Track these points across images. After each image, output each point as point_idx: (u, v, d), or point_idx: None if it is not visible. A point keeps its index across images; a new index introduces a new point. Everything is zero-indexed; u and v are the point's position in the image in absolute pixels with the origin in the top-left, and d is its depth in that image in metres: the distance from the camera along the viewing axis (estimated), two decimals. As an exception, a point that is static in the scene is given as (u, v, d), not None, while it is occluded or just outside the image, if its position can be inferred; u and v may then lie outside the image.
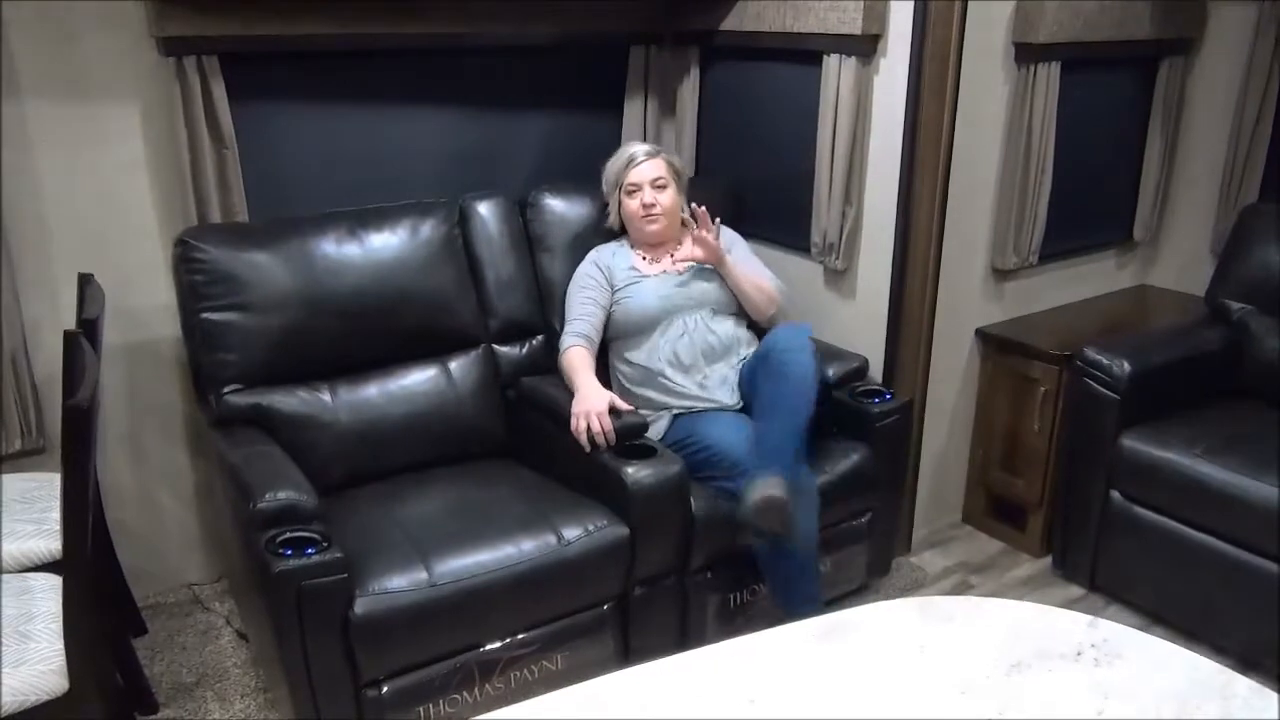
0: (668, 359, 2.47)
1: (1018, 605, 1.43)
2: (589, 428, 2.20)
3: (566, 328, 2.52)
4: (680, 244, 2.61)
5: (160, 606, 2.60)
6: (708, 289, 2.54)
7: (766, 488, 2.09)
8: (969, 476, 3.03)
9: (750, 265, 2.61)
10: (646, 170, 2.53)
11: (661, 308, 2.50)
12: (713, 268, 2.55)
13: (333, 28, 2.44)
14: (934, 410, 2.79)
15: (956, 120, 2.46)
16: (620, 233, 2.66)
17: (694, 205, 2.48)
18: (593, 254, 2.62)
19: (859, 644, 1.37)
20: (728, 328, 2.53)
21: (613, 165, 2.59)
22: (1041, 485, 2.82)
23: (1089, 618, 1.39)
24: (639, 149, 2.58)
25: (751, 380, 2.40)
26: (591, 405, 2.23)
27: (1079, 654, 1.32)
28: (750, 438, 2.26)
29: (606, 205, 2.65)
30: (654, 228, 2.55)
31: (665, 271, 2.56)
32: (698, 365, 2.48)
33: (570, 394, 2.33)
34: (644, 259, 2.59)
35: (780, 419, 2.20)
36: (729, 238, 2.67)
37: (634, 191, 2.54)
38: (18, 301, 2.25)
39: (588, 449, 2.21)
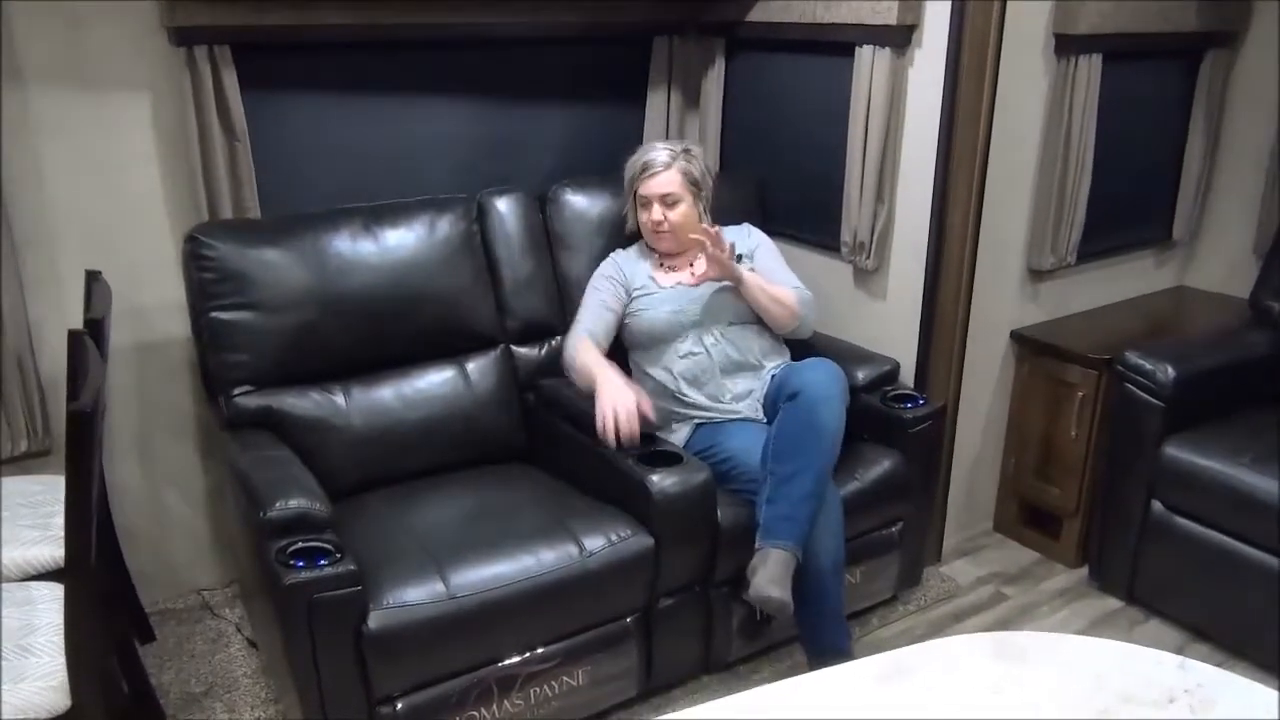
0: (683, 375, 2.38)
1: (1099, 644, 1.30)
2: (617, 426, 2.11)
3: (575, 325, 2.44)
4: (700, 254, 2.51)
5: (169, 613, 2.54)
6: (725, 301, 2.41)
7: (770, 584, 1.98)
8: (1000, 483, 2.94)
9: (776, 274, 2.49)
10: (658, 185, 2.41)
11: (674, 321, 2.40)
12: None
13: (347, 17, 2.37)
14: (966, 415, 2.70)
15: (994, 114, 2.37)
16: (640, 236, 2.56)
17: (705, 226, 2.36)
18: (614, 255, 2.54)
19: (925, 686, 1.25)
20: (749, 340, 2.42)
21: (630, 167, 2.48)
22: (1078, 493, 2.72)
23: (1178, 658, 1.27)
24: (657, 155, 2.43)
25: (774, 405, 2.27)
26: (620, 401, 2.14)
27: (1171, 700, 1.20)
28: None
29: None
30: (664, 245, 2.46)
31: (680, 284, 2.44)
32: (716, 380, 2.38)
33: (587, 396, 2.25)
34: (661, 268, 2.49)
35: (801, 479, 2.05)
36: (755, 240, 2.57)
37: (645, 204, 2.44)
38: (23, 298, 2.19)
39: (613, 446, 2.12)
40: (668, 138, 2.94)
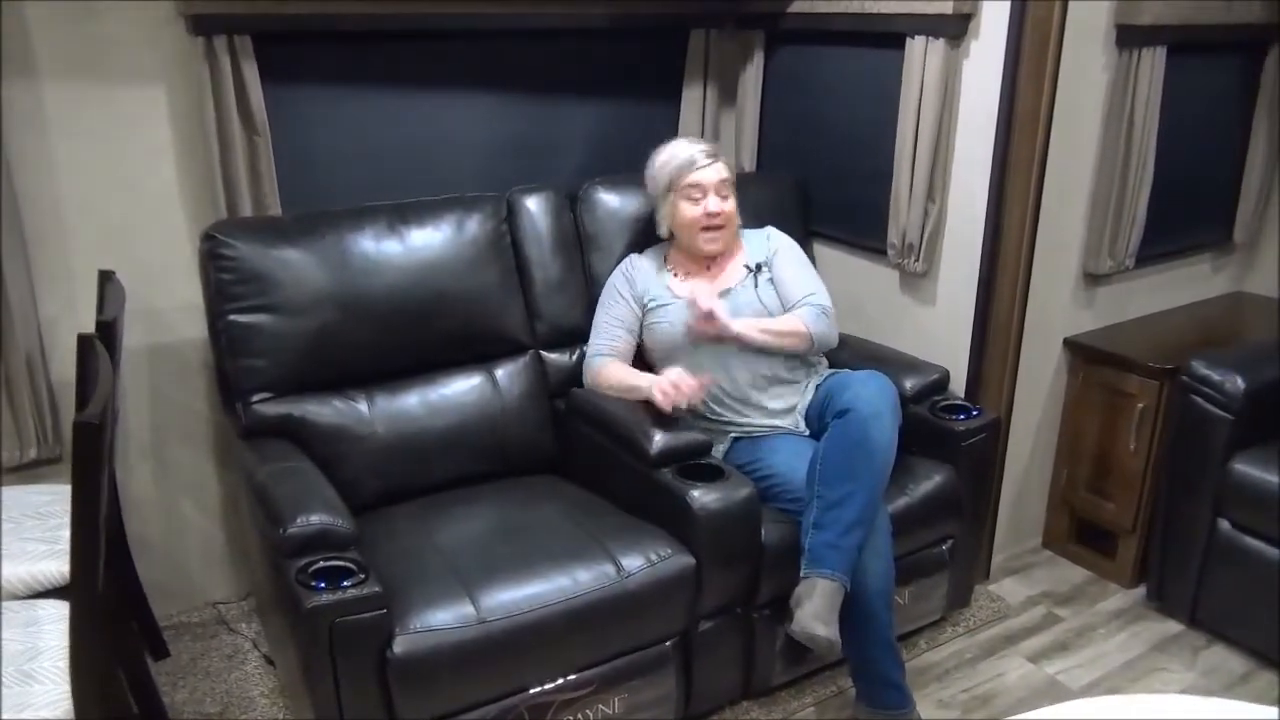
0: (712, 397, 2.24)
1: (1202, 703, 1.16)
2: (675, 391, 2.04)
3: (591, 344, 2.32)
4: (729, 258, 2.34)
5: (183, 627, 2.43)
6: (746, 314, 2.24)
7: (816, 620, 1.86)
8: (1051, 498, 2.80)
9: (794, 284, 2.30)
10: (713, 173, 2.25)
11: (689, 335, 2.23)
12: (751, 286, 2.30)
13: (372, 6, 2.27)
14: (1015, 426, 2.56)
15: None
16: (660, 240, 2.40)
17: (701, 302, 2.16)
18: (624, 264, 2.38)
19: None
20: (772, 355, 2.25)
21: (666, 165, 2.28)
22: (1135, 509, 2.58)
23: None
24: (698, 148, 2.27)
25: (820, 419, 2.16)
26: (668, 376, 2.07)
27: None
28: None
29: (658, 213, 2.35)
30: (715, 246, 2.27)
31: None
32: (748, 398, 2.25)
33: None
34: (677, 277, 2.32)
35: (851, 504, 1.93)
36: (774, 245, 2.38)
37: (697, 198, 2.25)
38: (34, 299, 2.10)
39: (670, 411, 2.06)
40: (703, 135, 2.82)
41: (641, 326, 2.32)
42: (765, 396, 2.26)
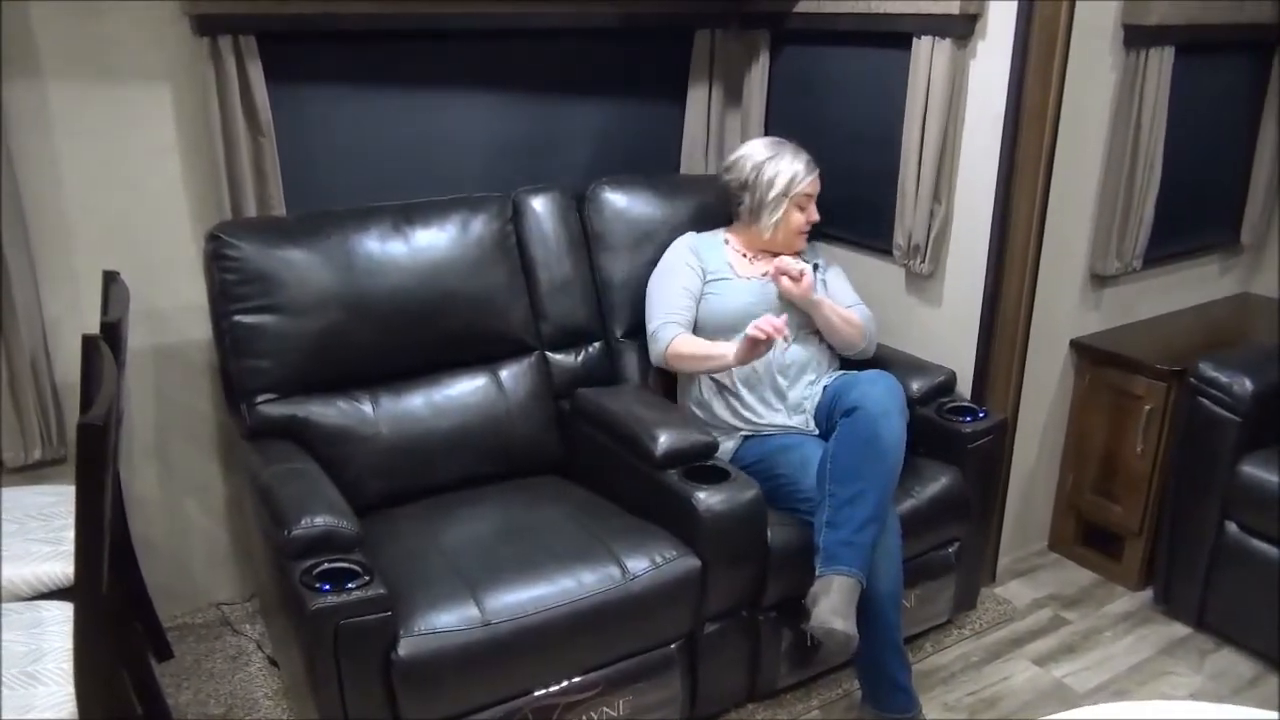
0: (742, 376, 2.26)
1: (1209, 709, 1.14)
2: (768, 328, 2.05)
3: (659, 317, 2.32)
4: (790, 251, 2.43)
5: (188, 628, 2.43)
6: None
7: (834, 614, 1.85)
8: (1057, 500, 2.79)
9: (845, 293, 2.41)
10: (816, 184, 2.37)
11: (745, 314, 2.26)
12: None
13: (376, 6, 2.26)
14: (1021, 428, 2.55)
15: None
16: (707, 227, 2.46)
17: (791, 262, 2.29)
18: (685, 239, 2.41)
19: None
20: (810, 347, 2.32)
21: (781, 175, 2.32)
22: (1142, 512, 2.57)
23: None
24: (802, 159, 2.35)
25: (828, 419, 2.18)
26: (755, 322, 2.08)
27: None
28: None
29: (758, 211, 2.35)
30: (802, 245, 2.42)
31: (755, 278, 2.35)
32: (775, 387, 2.27)
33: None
34: (745, 258, 2.39)
35: (864, 501, 1.93)
36: (822, 256, 2.49)
37: (805, 205, 2.36)
38: (38, 299, 2.09)
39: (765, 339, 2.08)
40: (708, 135, 2.82)
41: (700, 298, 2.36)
42: (789, 386, 2.28)
